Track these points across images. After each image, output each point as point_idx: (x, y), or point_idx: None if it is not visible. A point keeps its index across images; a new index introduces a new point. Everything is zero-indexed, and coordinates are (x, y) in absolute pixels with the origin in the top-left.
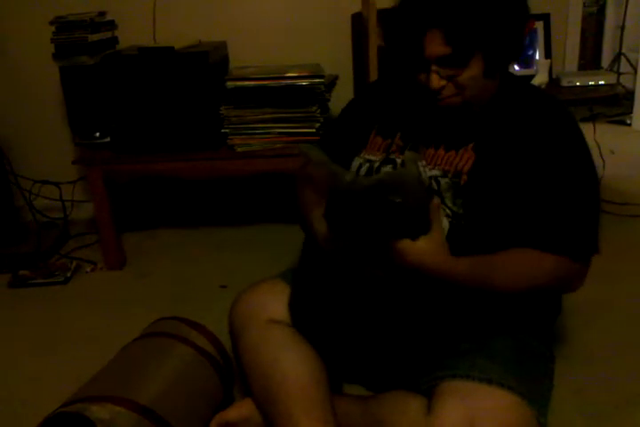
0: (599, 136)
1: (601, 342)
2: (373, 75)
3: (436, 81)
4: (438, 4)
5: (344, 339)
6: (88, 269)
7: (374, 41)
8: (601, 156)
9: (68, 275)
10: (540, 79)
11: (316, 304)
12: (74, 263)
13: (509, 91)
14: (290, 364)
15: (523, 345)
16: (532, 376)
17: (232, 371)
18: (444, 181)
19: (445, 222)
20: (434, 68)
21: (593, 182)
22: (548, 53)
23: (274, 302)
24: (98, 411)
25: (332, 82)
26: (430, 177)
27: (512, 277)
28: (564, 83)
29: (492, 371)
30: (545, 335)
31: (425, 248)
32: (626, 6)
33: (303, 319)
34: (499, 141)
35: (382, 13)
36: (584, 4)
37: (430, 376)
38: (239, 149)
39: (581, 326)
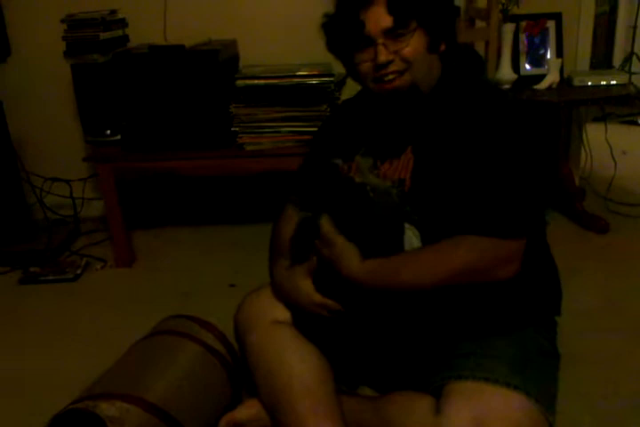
0: (610, 136)
1: (608, 343)
2: None
3: (383, 54)
4: None
5: (349, 341)
6: (98, 267)
7: None
8: (612, 156)
9: (78, 272)
10: (552, 78)
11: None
12: (84, 260)
13: (456, 92)
14: (295, 363)
15: (526, 342)
16: (537, 374)
17: (241, 369)
18: (394, 192)
19: (415, 240)
20: (380, 40)
21: (524, 169)
22: (559, 52)
23: (279, 305)
24: (107, 408)
25: (341, 81)
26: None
27: (425, 266)
28: (576, 82)
29: (498, 371)
30: (547, 331)
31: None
32: (638, 6)
33: (308, 325)
34: (434, 138)
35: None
36: (596, 3)
37: (437, 377)
38: (249, 148)
39: (589, 327)
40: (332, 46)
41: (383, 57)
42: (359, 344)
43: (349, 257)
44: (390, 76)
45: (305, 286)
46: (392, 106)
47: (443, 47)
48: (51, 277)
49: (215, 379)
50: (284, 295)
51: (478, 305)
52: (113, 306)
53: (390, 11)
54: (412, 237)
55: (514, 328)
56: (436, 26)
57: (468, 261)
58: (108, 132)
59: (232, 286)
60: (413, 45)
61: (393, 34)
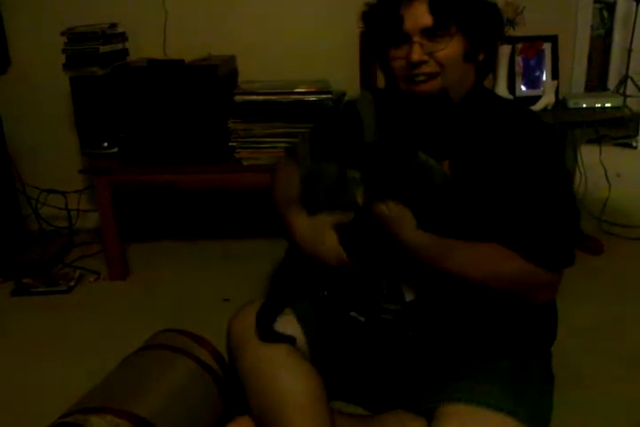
0: (605, 158)
1: (603, 366)
2: None
3: (417, 53)
4: None
5: (344, 363)
6: (91, 279)
7: None
8: (607, 178)
9: (72, 284)
10: (547, 100)
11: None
12: (77, 273)
13: (487, 105)
14: (289, 382)
15: (522, 368)
16: (531, 399)
17: (233, 385)
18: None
19: None
20: (416, 38)
21: (569, 196)
22: (554, 74)
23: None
24: (97, 422)
25: (339, 98)
26: None
27: (472, 262)
28: (571, 104)
29: (492, 395)
30: (542, 355)
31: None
32: (633, 29)
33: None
34: (473, 155)
35: None
36: (591, 26)
37: (431, 399)
38: (246, 163)
39: (583, 349)
40: (368, 37)
41: (416, 56)
42: (359, 359)
43: (410, 220)
44: (421, 77)
45: (331, 239)
46: (421, 110)
47: (481, 57)
48: (43, 289)
49: (207, 395)
50: (305, 246)
51: (480, 332)
52: (105, 319)
53: (432, 10)
54: None
55: (510, 354)
56: (477, 34)
57: (513, 277)
58: (106, 144)
59: (226, 300)
60: (450, 49)
61: (431, 34)
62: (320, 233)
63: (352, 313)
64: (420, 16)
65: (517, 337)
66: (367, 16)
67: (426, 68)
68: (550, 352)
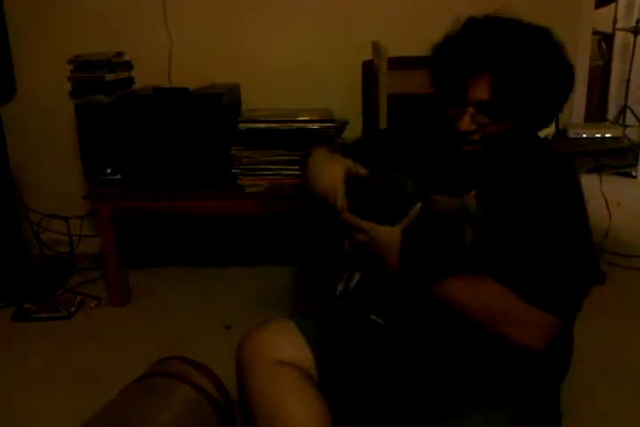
0: (605, 187)
1: (606, 396)
2: (382, 121)
3: (467, 123)
4: (499, 47)
5: (353, 384)
6: (92, 305)
7: (384, 88)
8: (607, 207)
9: (72, 310)
10: (547, 130)
11: None
12: (78, 298)
13: (519, 144)
14: (297, 407)
15: (529, 399)
16: None
17: (233, 413)
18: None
19: None
20: (470, 110)
21: (584, 244)
22: None
23: (282, 343)
24: None
25: (341, 126)
26: None
27: (462, 288)
28: (571, 134)
29: (499, 423)
30: (552, 391)
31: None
32: (631, 60)
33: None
34: (499, 193)
35: (393, 61)
36: (590, 57)
37: (438, 425)
38: (248, 190)
39: (590, 380)
40: (433, 87)
41: (465, 126)
42: (366, 387)
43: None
44: (467, 141)
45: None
46: (459, 163)
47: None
48: (44, 315)
49: (207, 423)
50: (312, 173)
51: (488, 357)
52: (106, 346)
53: (493, 87)
54: None
55: (519, 385)
56: (532, 118)
57: (500, 309)
58: (109, 170)
59: (228, 327)
60: (500, 127)
61: (486, 108)
62: (329, 163)
63: (372, 316)
64: (479, 89)
65: (527, 365)
66: (435, 67)
67: (473, 137)
68: (559, 389)
